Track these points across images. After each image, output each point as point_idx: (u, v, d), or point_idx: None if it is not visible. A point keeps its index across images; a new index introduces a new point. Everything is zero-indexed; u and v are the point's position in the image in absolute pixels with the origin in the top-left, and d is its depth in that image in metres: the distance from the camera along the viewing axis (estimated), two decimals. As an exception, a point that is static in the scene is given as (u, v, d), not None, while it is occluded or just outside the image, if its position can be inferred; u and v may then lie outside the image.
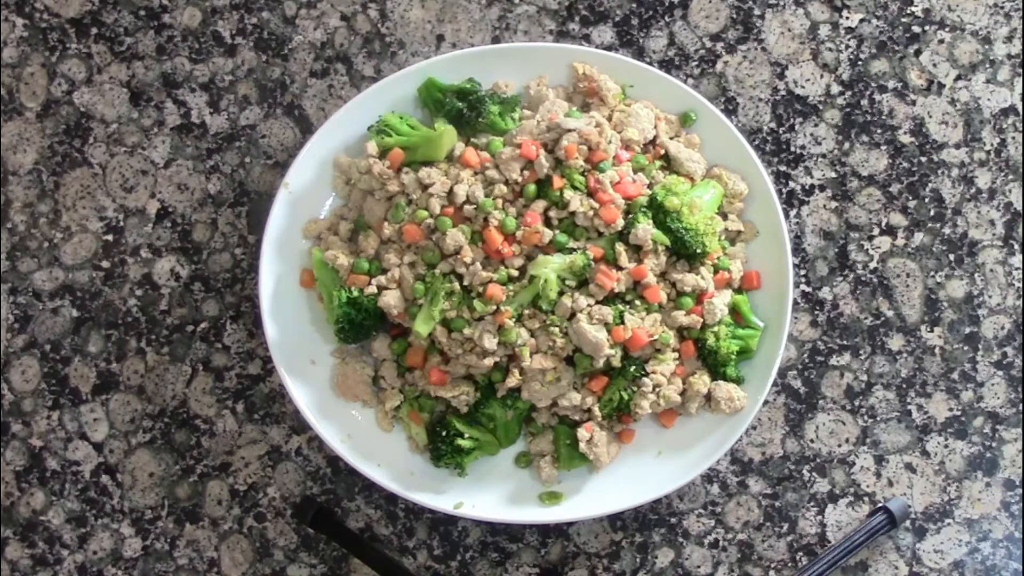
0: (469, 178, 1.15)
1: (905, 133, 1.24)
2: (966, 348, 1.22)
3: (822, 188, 1.23)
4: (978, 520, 1.20)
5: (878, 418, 1.21)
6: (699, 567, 1.20)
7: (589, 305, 1.13)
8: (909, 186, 1.23)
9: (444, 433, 1.15)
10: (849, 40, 1.24)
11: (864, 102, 1.24)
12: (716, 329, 1.15)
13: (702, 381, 1.15)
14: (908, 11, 1.25)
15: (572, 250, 1.13)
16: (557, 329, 1.13)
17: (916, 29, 1.25)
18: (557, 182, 1.14)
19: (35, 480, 1.21)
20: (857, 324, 1.22)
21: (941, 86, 1.24)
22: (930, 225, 1.23)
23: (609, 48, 1.24)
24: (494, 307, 1.12)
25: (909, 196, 1.23)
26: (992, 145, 1.23)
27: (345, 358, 1.18)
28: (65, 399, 1.22)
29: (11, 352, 1.22)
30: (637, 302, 1.14)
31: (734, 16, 1.25)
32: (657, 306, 1.14)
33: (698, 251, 1.14)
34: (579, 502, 1.16)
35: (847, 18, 1.24)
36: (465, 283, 1.13)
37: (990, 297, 1.22)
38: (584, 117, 1.16)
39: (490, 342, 1.12)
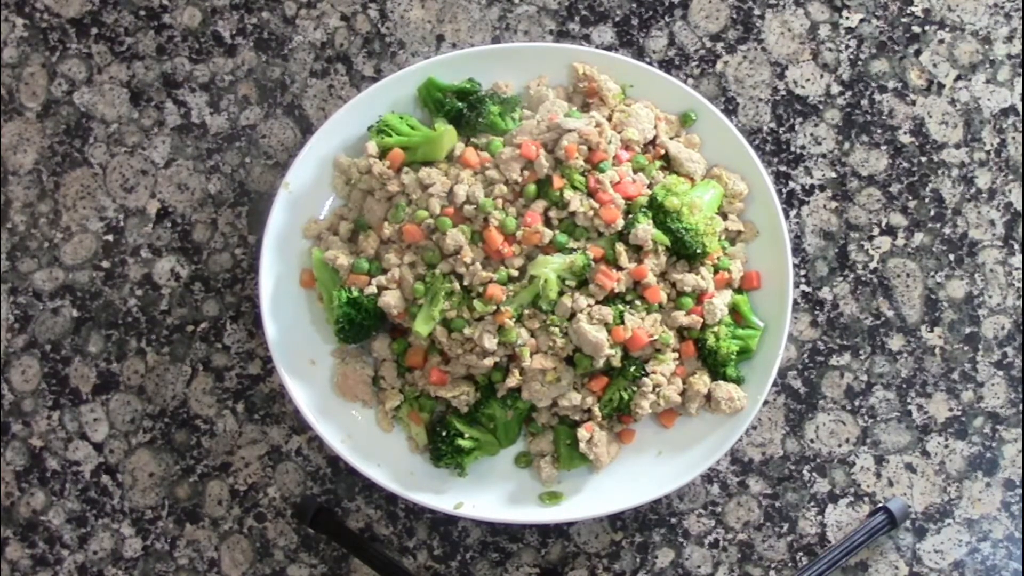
0: (469, 178, 1.15)
1: (905, 133, 1.24)
2: (966, 348, 1.22)
3: (822, 188, 1.23)
4: (978, 520, 1.20)
5: (878, 418, 1.21)
6: (699, 567, 1.20)
7: (589, 305, 1.13)
8: (909, 186, 1.23)
9: (444, 433, 1.15)
10: (849, 40, 1.24)
11: (864, 102, 1.24)
12: (716, 329, 1.15)
13: (702, 381, 1.15)
14: (908, 11, 1.25)
15: (572, 250, 1.13)
16: (557, 329, 1.13)
17: (916, 29, 1.24)
18: (557, 182, 1.13)
19: (35, 480, 1.21)
20: (857, 324, 1.22)
21: (941, 86, 1.24)
22: (930, 225, 1.23)
23: (609, 48, 1.24)
24: (494, 307, 1.12)
25: (909, 196, 1.23)
26: (992, 145, 1.23)
27: (345, 358, 1.18)
28: (65, 399, 1.22)
29: (11, 352, 1.22)
30: (637, 302, 1.14)
31: (734, 16, 1.25)
32: (657, 306, 1.14)
33: (698, 251, 1.14)
34: (579, 502, 1.16)
35: (847, 18, 1.24)
36: (465, 283, 1.13)
37: (990, 297, 1.22)
38: (584, 117, 1.16)
39: (490, 342, 1.12)
